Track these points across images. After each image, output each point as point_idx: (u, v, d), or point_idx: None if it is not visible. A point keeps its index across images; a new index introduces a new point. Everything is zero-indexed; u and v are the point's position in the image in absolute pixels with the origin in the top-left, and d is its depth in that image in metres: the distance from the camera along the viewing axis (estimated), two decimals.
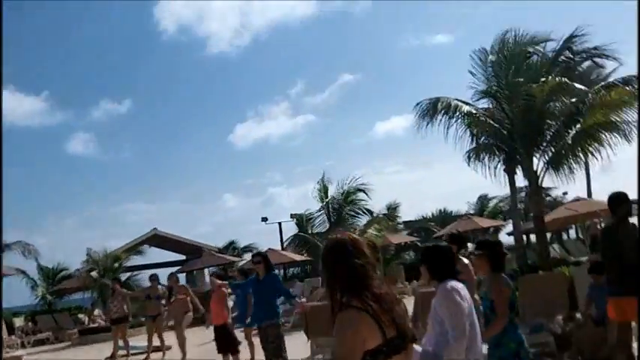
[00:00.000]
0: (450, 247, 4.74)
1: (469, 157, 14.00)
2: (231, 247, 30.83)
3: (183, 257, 30.63)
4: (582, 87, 11.33)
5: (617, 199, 6.51)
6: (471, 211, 31.54)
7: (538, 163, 12.06)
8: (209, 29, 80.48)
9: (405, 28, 77.89)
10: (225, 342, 10.60)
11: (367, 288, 2.71)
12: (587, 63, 12.59)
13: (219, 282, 11.12)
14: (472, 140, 13.07)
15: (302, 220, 26.22)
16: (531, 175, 11.96)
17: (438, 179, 67.97)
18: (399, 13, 78.70)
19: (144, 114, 70.96)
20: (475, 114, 12.26)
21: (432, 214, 31.30)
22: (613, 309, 6.67)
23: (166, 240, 28.80)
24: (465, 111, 12.27)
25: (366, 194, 20.79)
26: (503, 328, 5.01)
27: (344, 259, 2.76)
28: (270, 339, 9.00)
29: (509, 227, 31.32)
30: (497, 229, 28.73)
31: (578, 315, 9.32)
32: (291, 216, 26.73)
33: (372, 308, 2.64)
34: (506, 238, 32.39)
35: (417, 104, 12.48)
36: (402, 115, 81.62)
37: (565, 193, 32.29)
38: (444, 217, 30.10)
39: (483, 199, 33.18)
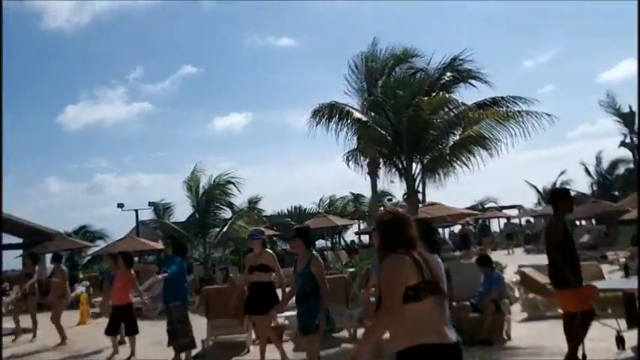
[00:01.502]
0: None
1: (348, 159, 15.21)
2: (82, 232, 29.56)
3: (20, 240, 28.86)
4: (464, 102, 12.78)
5: (561, 194, 6.97)
6: (320, 210, 33.41)
7: (416, 168, 13.38)
8: (46, 2, 74.92)
9: (251, 27, 78.58)
10: (128, 323, 10.64)
11: (413, 249, 3.42)
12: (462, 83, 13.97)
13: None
14: (357, 144, 14.18)
15: (160, 209, 26.13)
16: (410, 180, 13.23)
17: (274, 177, 69.51)
18: (246, 12, 79.20)
19: None
20: (365, 121, 13.27)
21: (287, 211, 32.54)
22: (558, 300, 7.23)
23: (4, 222, 26.88)
24: (355, 117, 13.27)
25: (236, 187, 21.16)
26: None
27: (392, 231, 3.51)
28: (174, 319, 9.28)
29: (355, 227, 33.78)
30: (346, 227, 30.56)
31: (454, 303, 10.66)
32: (149, 204, 26.75)
33: (413, 255, 3.35)
34: (354, 237, 34.88)
35: (314, 109, 13.28)
36: (241, 113, 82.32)
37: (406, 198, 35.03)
38: (299, 214, 31.53)
39: (332, 200, 35.25)
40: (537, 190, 43.33)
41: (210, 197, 20.98)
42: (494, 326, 9.54)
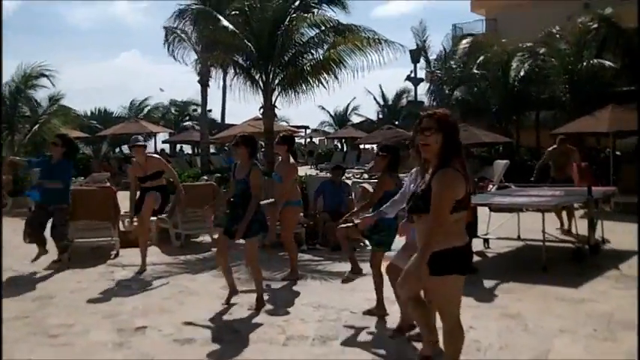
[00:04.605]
0: None
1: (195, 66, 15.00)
2: None
3: None
4: (343, 22, 13.20)
5: None
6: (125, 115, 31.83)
7: (273, 82, 13.63)
8: None
9: None
10: None
11: (461, 155, 3.86)
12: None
13: None
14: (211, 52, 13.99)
15: None
16: (268, 93, 13.49)
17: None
18: None
19: None
20: (232, 30, 13.05)
21: (92, 112, 30.30)
22: None
23: None
24: (222, 25, 12.99)
25: (50, 80, 19.32)
26: None
27: (456, 133, 3.89)
28: (56, 222, 8.91)
29: (165, 135, 32.92)
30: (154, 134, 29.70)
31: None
32: None
33: (464, 171, 3.81)
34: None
35: (180, 9, 12.83)
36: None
37: (210, 110, 35.24)
38: (105, 117, 29.72)
39: (137, 105, 33.58)
40: (330, 114, 46.21)
41: (19, 91, 18.91)
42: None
